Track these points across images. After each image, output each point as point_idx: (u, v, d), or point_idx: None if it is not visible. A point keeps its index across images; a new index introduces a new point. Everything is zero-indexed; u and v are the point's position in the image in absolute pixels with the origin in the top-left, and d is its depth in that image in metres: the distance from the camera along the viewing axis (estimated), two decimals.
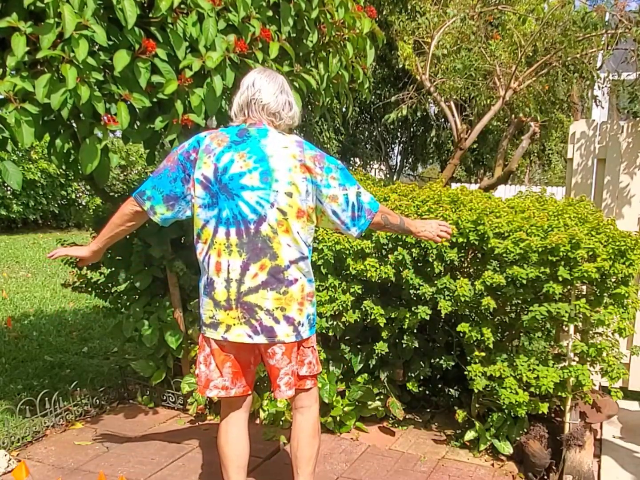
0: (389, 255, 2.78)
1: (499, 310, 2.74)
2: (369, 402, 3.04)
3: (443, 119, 10.44)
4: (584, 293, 2.67)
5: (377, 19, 3.54)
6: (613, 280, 2.57)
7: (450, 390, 3.21)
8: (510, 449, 2.77)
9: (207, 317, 1.97)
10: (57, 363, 4.03)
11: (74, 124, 2.26)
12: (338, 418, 3.01)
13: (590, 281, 2.52)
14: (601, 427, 3.09)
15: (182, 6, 2.17)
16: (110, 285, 3.39)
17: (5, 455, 2.61)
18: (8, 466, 2.58)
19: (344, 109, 3.34)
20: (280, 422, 3.01)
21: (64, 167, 2.41)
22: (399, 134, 13.99)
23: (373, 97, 10.45)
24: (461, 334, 2.73)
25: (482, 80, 4.69)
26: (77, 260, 2.28)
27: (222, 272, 1.91)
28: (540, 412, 2.63)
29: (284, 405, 2.94)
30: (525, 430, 2.76)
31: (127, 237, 3.23)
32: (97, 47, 2.06)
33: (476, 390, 2.69)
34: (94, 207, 3.50)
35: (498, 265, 2.65)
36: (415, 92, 5.43)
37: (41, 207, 11.62)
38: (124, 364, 3.45)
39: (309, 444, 2.08)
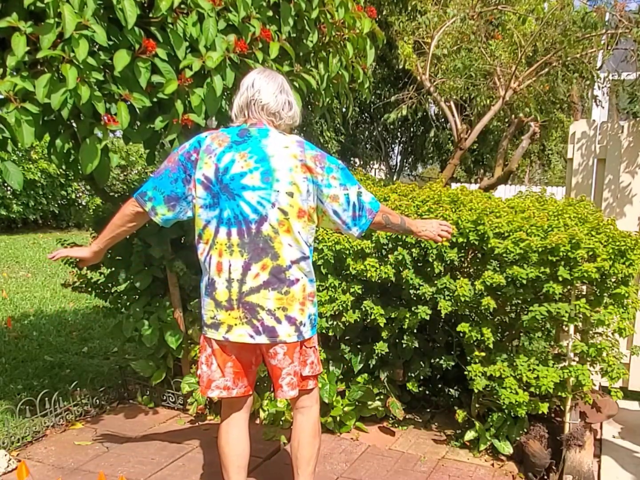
0: (389, 255, 2.78)
1: (499, 310, 2.74)
2: (369, 402, 3.04)
3: (443, 119, 10.43)
4: (584, 293, 2.67)
5: (377, 19, 3.53)
6: (613, 280, 2.57)
7: (450, 390, 3.21)
8: (510, 449, 2.77)
9: (209, 318, 1.97)
10: (57, 363, 4.03)
11: (74, 124, 2.26)
12: (338, 418, 3.01)
13: (590, 281, 2.52)
14: (601, 427, 3.09)
15: (182, 6, 2.17)
16: (110, 285, 3.38)
17: (5, 455, 2.61)
18: (8, 466, 2.58)
19: (344, 109, 3.34)
20: (280, 422, 3.01)
21: (64, 167, 2.41)
22: (399, 134, 13.98)
23: (373, 97, 10.44)
24: (461, 334, 2.73)
25: (482, 80, 4.69)
26: (78, 260, 2.28)
27: (223, 272, 1.91)
28: (540, 412, 2.63)
29: (284, 405, 2.95)
30: (525, 430, 2.76)
31: (127, 237, 3.23)
32: (97, 47, 2.06)
33: (476, 390, 2.69)
34: (94, 207, 3.49)
35: (498, 265, 2.65)
36: (415, 92, 5.43)
37: (41, 207, 11.62)
38: (124, 364, 3.45)
39: (309, 444, 2.08)
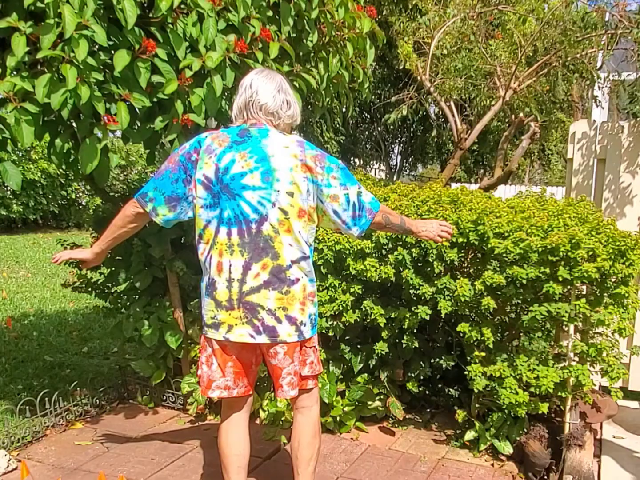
0: (389, 255, 2.78)
1: (499, 310, 2.74)
2: (369, 402, 3.04)
3: (443, 119, 10.44)
4: (584, 293, 2.67)
5: (377, 19, 3.53)
6: (613, 280, 2.57)
7: (450, 390, 3.21)
8: (510, 449, 2.77)
9: (209, 318, 1.97)
10: (57, 363, 4.03)
11: (74, 124, 2.25)
12: (338, 418, 3.01)
13: (590, 281, 2.52)
14: (601, 427, 3.09)
15: (182, 6, 2.17)
16: (110, 285, 3.39)
17: (5, 455, 2.61)
18: (8, 466, 2.58)
19: (344, 109, 3.34)
20: (280, 422, 3.01)
21: (64, 167, 2.41)
22: (399, 134, 13.99)
23: (373, 97, 10.44)
24: (461, 334, 2.73)
25: (482, 80, 4.69)
26: (80, 262, 2.28)
27: (223, 272, 1.91)
28: (540, 412, 2.63)
29: (284, 405, 2.94)
30: (525, 430, 2.76)
31: None
32: (97, 47, 2.06)
33: (476, 390, 2.69)
34: (94, 207, 3.50)
35: (498, 265, 2.65)
36: (415, 92, 5.43)
37: (41, 207, 11.63)
38: (124, 364, 3.45)
39: (309, 444, 2.08)
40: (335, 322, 2.93)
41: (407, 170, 15.71)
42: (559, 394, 2.64)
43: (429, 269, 2.71)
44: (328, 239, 2.81)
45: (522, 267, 2.52)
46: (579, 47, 4.06)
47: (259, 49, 2.40)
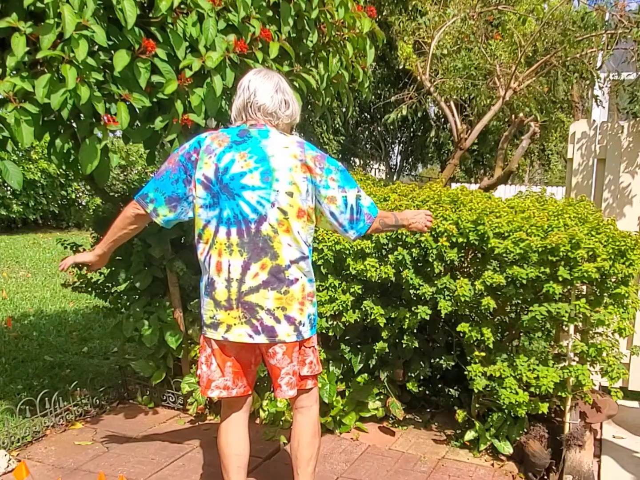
0: (389, 255, 2.78)
1: (499, 310, 2.74)
2: (369, 402, 3.04)
3: (443, 119, 10.44)
4: (584, 293, 2.67)
5: (377, 19, 3.53)
6: (613, 280, 2.57)
7: (450, 390, 3.21)
8: (510, 449, 2.77)
9: (208, 318, 1.97)
10: (57, 363, 4.03)
11: (74, 124, 2.25)
12: (338, 418, 3.01)
13: (590, 281, 2.52)
14: (601, 427, 3.09)
15: (182, 6, 2.17)
16: (110, 285, 3.39)
17: (5, 455, 2.61)
18: (8, 466, 2.58)
19: (344, 109, 3.34)
20: (280, 422, 3.01)
21: (64, 167, 2.40)
22: (399, 134, 14.00)
23: (373, 97, 10.45)
24: (461, 334, 2.73)
25: (482, 80, 4.69)
26: (85, 265, 2.28)
27: (222, 271, 1.91)
28: (540, 412, 2.63)
29: (284, 405, 2.94)
30: (525, 430, 2.76)
31: None
32: (97, 47, 2.06)
33: (476, 390, 2.69)
34: (94, 207, 3.50)
35: (498, 265, 2.65)
36: (415, 92, 5.43)
37: (41, 207, 11.63)
38: (124, 364, 3.45)
39: (309, 444, 2.08)
40: (335, 322, 2.93)
41: (407, 170, 15.71)
42: (559, 394, 2.64)
43: (429, 269, 2.71)
44: (328, 239, 2.81)
45: (522, 267, 2.52)
46: (579, 47, 4.06)
47: (259, 49, 2.40)
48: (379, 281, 2.81)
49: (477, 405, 2.86)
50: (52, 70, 1.98)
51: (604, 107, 4.69)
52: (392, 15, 5.99)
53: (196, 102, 2.27)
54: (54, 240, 6.80)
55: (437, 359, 2.97)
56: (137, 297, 3.23)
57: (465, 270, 2.86)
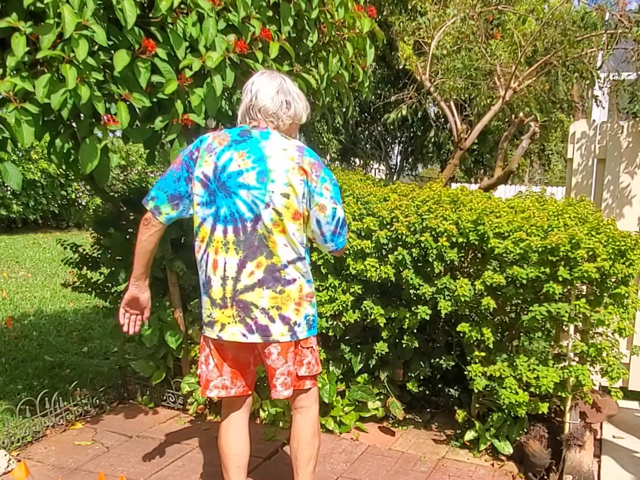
0: (389, 255, 2.78)
1: (499, 310, 2.74)
2: (369, 402, 3.04)
3: (443, 119, 10.44)
4: (584, 293, 2.67)
5: (377, 19, 3.53)
6: (613, 280, 2.57)
7: (450, 390, 3.21)
8: (510, 449, 2.77)
9: (206, 316, 1.98)
10: (57, 363, 4.03)
11: (74, 124, 2.25)
12: (338, 418, 3.01)
13: (590, 281, 2.52)
14: (601, 427, 3.09)
15: (182, 6, 2.17)
16: (110, 285, 3.38)
17: (5, 455, 2.61)
18: (8, 466, 2.58)
19: (344, 109, 3.34)
20: (280, 422, 3.01)
21: (64, 167, 2.40)
22: (399, 134, 13.99)
23: (373, 97, 10.44)
24: (461, 334, 2.73)
25: (482, 80, 4.69)
26: (138, 301, 2.17)
27: (218, 269, 1.91)
28: (540, 412, 2.63)
29: (284, 405, 2.95)
30: (525, 430, 2.76)
31: (127, 237, 3.24)
32: (97, 47, 2.06)
33: (476, 390, 2.69)
34: (94, 207, 3.51)
35: (498, 265, 2.65)
36: (415, 92, 5.43)
37: (41, 207, 11.62)
38: (124, 364, 3.45)
39: (308, 444, 2.08)
40: (335, 322, 2.93)
41: (407, 170, 15.71)
42: (559, 394, 2.64)
43: (429, 269, 2.71)
44: None
45: (522, 267, 2.52)
46: (579, 46, 4.06)
47: (259, 49, 2.40)
48: (379, 281, 2.81)
49: (477, 405, 2.86)
50: (52, 70, 1.98)
51: (603, 107, 4.69)
52: (392, 15, 5.99)
53: (196, 102, 2.27)
54: (54, 240, 6.79)
55: (437, 359, 2.97)
56: None
57: (465, 270, 2.86)
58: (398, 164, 14.87)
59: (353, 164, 14.46)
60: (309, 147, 2.00)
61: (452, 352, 3.02)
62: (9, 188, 10.74)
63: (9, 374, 3.79)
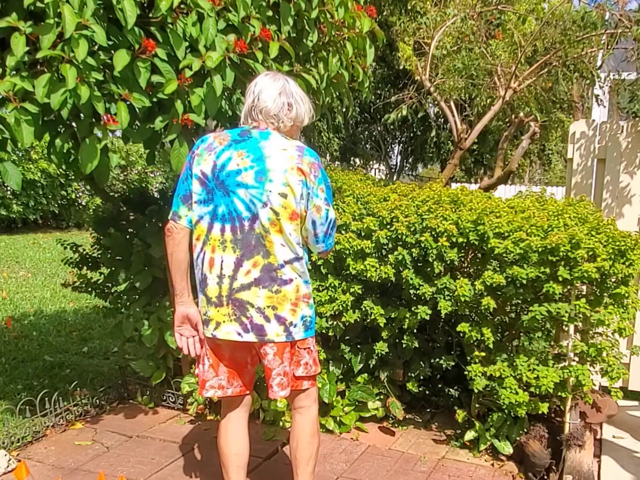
0: (389, 255, 2.78)
1: (499, 310, 2.74)
2: (369, 402, 3.04)
3: (443, 119, 10.44)
4: (584, 293, 2.67)
5: (377, 20, 3.53)
6: (613, 280, 2.57)
7: (450, 390, 3.21)
8: (510, 449, 2.77)
9: (202, 315, 1.98)
10: (57, 363, 4.03)
11: (74, 124, 2.25)
12: (338, 418, 3.01)
13: (590, 281, 2.52)
14: (601, 427, 3.09)
15: (182, 6, 2.17)
16: (110, 285, 3.39)
17: (5, 455, 2.61)
18: (8, 466, 2.58)
19: (344, 109, 3.34)
20: (280, 422, 3.01)
21: (64, 167, 2.40)
22: (399, 134, 14.00)
23: (373, 97, 10.45)
24: (461, 334, 2.73)
25: (482, 80, 4.69)
26: (193, 319, 2.05)
27: (214, 268, 1.91)
28: (540, 412, 2.63)
29: (284, 405, 2.95)
30: (525, 430, 2.76)
31: (127, 237, 3.24)
32: (97, 47, 2.06)
33: (476, 390, 2.69)
34: (94, 207, 3.51)
35: (498, 265, 2.65)
36: (415, 92, 5.43)
37: (41, 207, 11.62)
38: (124, 364, 3.45)
39: (308, 444, 2.08)
40: (335, 322, 2.93)
41: (407, 170, 15.71)
42: (559, 394, 2.64)
43: (429, 269, 2.71)
44: None
45: (522, 267, 2.52)
46: (579, 46, 4.06)
47: (258, 48, 2.40)
48: (379, 281, 2.81)
49: (477, 405, 2.86)
50: (52, 70, 1.98)
51: (604, 107, 4.69)
52: (392, 15, 5.99)
53: (196, 102, 2.27)
54: (54, 240, 6.80)
55: (437, 359, 2.97)
56: (137, 297, 3.23)
57: (465, 270, 2.86)
58: (398, 164, 14.88)
59: (353, 163, 14.46)
60: (309, 147, 2.00)
61: (452, 352, 3.02)
62: (9, 188, 10.74)
63: (9, 374, 3.79)
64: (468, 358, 2.79)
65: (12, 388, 3.54)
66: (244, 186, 1.89)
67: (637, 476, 2.63)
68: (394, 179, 13.32)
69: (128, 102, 2.15)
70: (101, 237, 3.31)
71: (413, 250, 2.71)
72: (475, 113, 5.28)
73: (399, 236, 2.72)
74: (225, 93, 2.43)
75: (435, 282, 2.67)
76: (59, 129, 2.27)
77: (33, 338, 4.61)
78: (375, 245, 2.81)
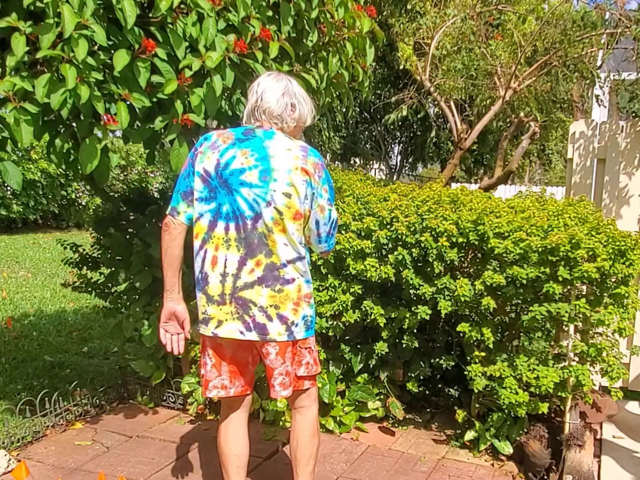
0: (389, 255, 2.78)
1: (499, 310, 2.74)
2: (369, 402, 3.04)
3: (443, 119, 10.44)
4: (584, 293, 2.67)
5: (377, 20, 3.53)
6: (613, 280, 2.57)
7: (450, 390, 3.21)
8: (510, 449, 2.77)
9: (200, 313, 1.99)
10: (57, 363, 4.03)
11: (74, 124, 2.25)
12: (338, 418, 3.01)
13: (590, 281, 2.52)
14: (601, 427, 3.09)
15: (182, 6, 2.17)
16: (110, 285, 3.38)
17: (5, 455, 2.61)
18: (8, 466, 2.58)
19: (344, 109, 3.34)
20: (280, 422, 3.01)
21: (64, 167, 2.40)
22: (399, 134, 14.00)
23: (373, 97, 10.45)
24: (461, 334, 2.73)
25: (482, 80, 4.69)
26: (180, 314, 2.12)
27: (217, 266, 1.91)
28: (540, 412, 2.63)
29: (284, 405, 2.95)
30: (525, 430, 2.76)
31: (127, 237, 3.24)
32: (97, 47, 2.06)
33: (476, 390, 2.69)
34: (94, 207, 3.51)
35: (498, 265, 2.65)
36: (415, 93, 5.43)
37: (41, 207, 11.62)
38: (124, 364, 3.45)
39: (308, 444, 2.08)
40: (335, 322, 2.93)
41: (407, 170, 15.71)
42: (559, 394, 2.64)
43: (429, 269, 2.71)
44: None
45: (522, 267, 2.52)
46: (579, 46, 4.06)
47: (258, 48, 2.40)
48: (379, 281, 2.81)
49: (477, 405, 2.86)
50: (52, 70, 1.98)
51: (605, 107, 4.69)
52: (392, 16, 5.99)
53: (196, 102, 2.27)
54: (54, 240, 6.80)
55: (437, 359, 2.96)
56: (137, 297, 3.23)
57: (465, 270, 2.85)
58: (398, 164, 14.88)
59: (353, 163, 14.47)
60: (312, 147, 2.01)
61: (452, 352, 3.02)
62: (9, 188, 10.74)
63: (9, 374, 3.79)
64: (468, 358, 2.79)
65: (12, 388, 3.54)
66: (247, 185, 1.89)
67: (637, 476, 2.63)
68: (394, 179, 13.33)
69: (128, 102, 2.15)
70: (101, 237, 3.31)
71: (413, 250, 2.71)
72: (475, 113, 5.28)
73: (399, 236, 2.72)
74: (225, 93, 2.43)
75: (435, 282, 2.67)
76: (58, 129, 2.27)
77: (33, 338, 4.61)
78: (375, 245, 2.81)
